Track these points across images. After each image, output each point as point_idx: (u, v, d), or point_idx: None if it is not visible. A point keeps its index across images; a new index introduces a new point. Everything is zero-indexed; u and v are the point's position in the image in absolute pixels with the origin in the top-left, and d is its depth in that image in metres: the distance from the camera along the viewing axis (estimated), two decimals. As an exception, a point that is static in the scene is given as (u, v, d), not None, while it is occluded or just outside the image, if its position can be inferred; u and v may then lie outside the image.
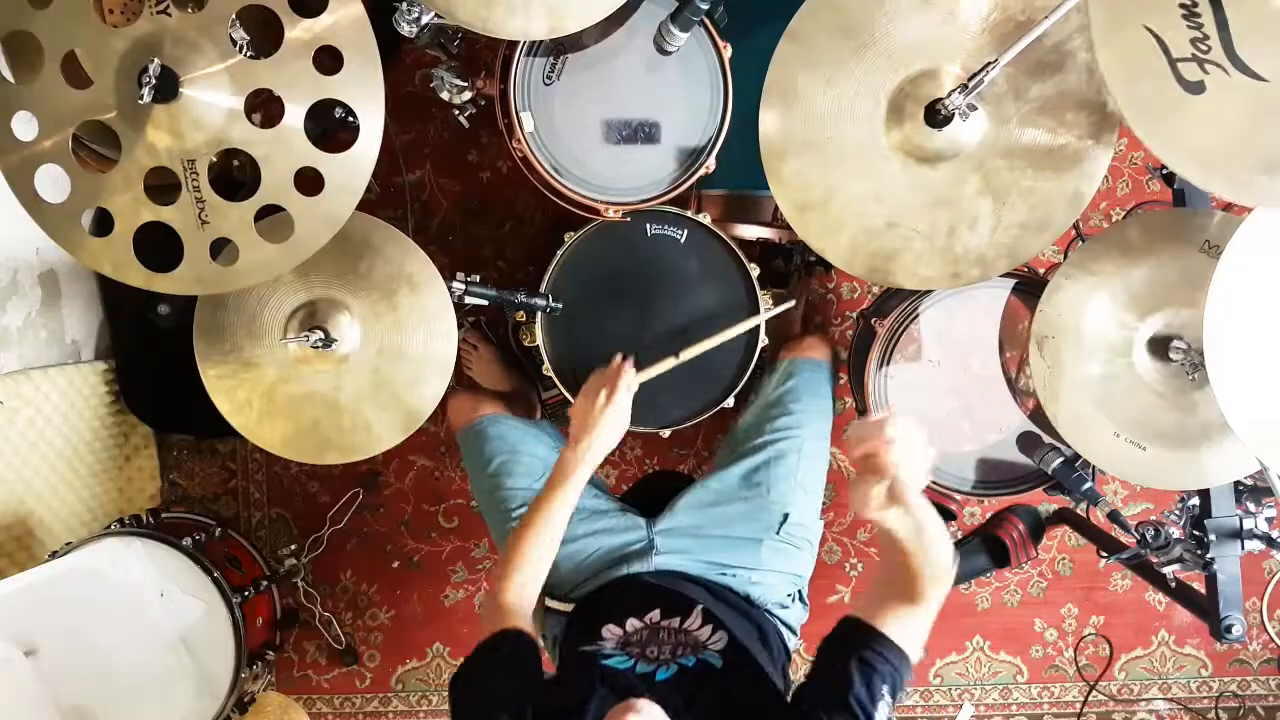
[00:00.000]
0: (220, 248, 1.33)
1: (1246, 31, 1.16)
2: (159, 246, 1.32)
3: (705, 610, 1.40)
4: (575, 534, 1.54)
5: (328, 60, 1.29)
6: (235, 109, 1.28)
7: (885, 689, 1.11)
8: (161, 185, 1.30)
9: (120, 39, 1.25)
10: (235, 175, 1.50)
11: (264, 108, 1.32)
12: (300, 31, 1.27)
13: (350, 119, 1.31)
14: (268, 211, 1.32)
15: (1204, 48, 1.17)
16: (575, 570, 1.53)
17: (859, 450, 1.10)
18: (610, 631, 1.37)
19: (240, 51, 1.28)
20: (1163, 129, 1.21)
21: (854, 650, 1.14)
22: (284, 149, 1.30)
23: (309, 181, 1.32)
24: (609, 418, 1.44)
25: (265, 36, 1.31)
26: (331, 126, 1.41)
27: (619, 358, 1.55)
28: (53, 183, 1.28)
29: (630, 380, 1.49)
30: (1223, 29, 1.17)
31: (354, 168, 1.32)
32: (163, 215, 1.30)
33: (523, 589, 1.36)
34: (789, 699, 1.25)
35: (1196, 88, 1.18)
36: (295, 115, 1.29)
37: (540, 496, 1.41)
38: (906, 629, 1.15)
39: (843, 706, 1.09)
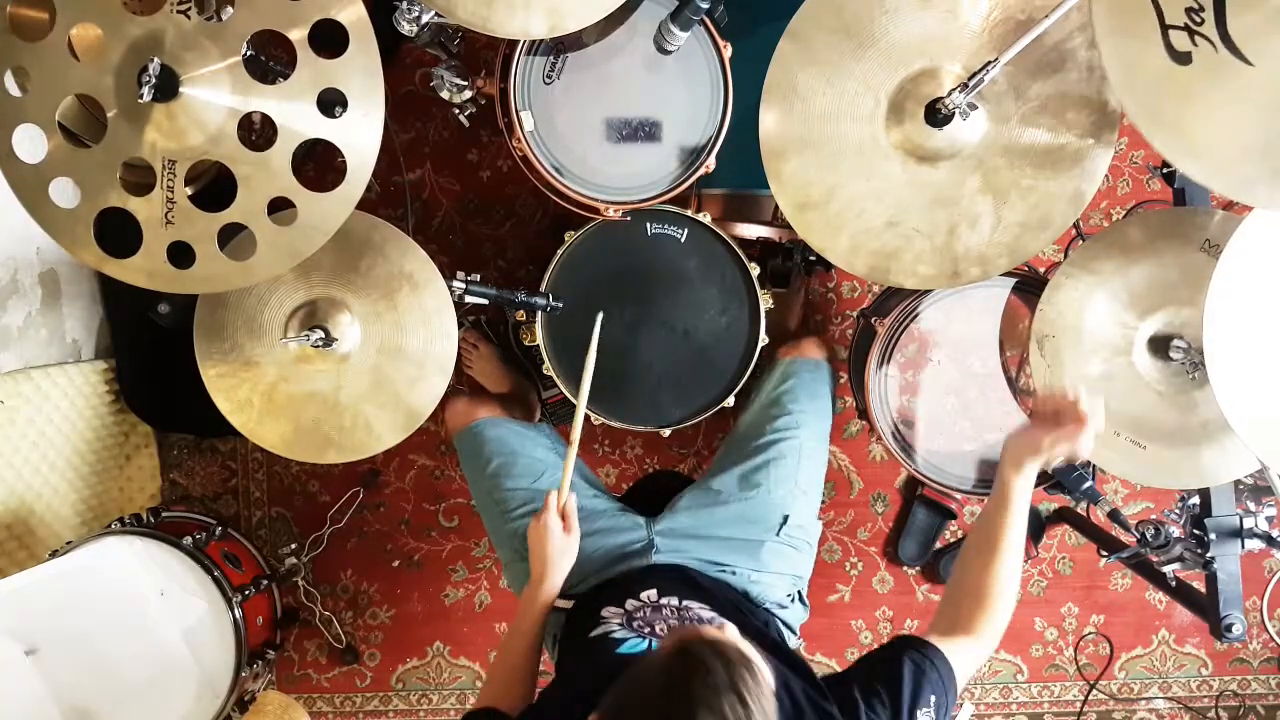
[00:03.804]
0: (181, 249, 1.33)
1: (1241, 8, 1.15)
2: (123, 236, 1.31)
3: (704, 596, 1.41)
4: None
5: (332, 99, 1.29)
6: (230, 123, 1.28)
7: (931, 698, 1.14)
8: (137, 179, 1.30)
9: (134, 25, 1.25)
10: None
11: (260, 127, 1.32)
12: (311, 68, 1.27)
13: (340, 158, 1.31)
14: (238, 226, 1.32)
15: (1197, 19, 1.16)
16: (576, 569, 1.53)
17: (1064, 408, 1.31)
18: (610, 612, 1.37)
19: (247, 70, 1.28)
20: (1145, 95, 1.20)
21: (907, 650, 1.19)
22: (266, 174, 1.30)
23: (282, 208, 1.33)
24: (543, 547, 1.45)
25: (275, 59, 1.31)
26: (321, 162, 1.41)
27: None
28: (30, 143, 1.27)
29: (551, 507, 1.46)
30: (1218, 1, 1.16)
31: (330, 210, 1.32)
32: (130, 204, 1.30)
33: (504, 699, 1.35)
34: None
35: (1184, 58, 1.18)
36: (286, 145, 1.30)
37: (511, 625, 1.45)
38: (958, 655, 1.21)
39: (884, 698, 1.13)
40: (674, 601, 1.37)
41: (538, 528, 1.45)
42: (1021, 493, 1.32)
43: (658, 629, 1.27)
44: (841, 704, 1.13)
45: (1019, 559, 1.30)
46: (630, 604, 1.37)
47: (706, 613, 1.34)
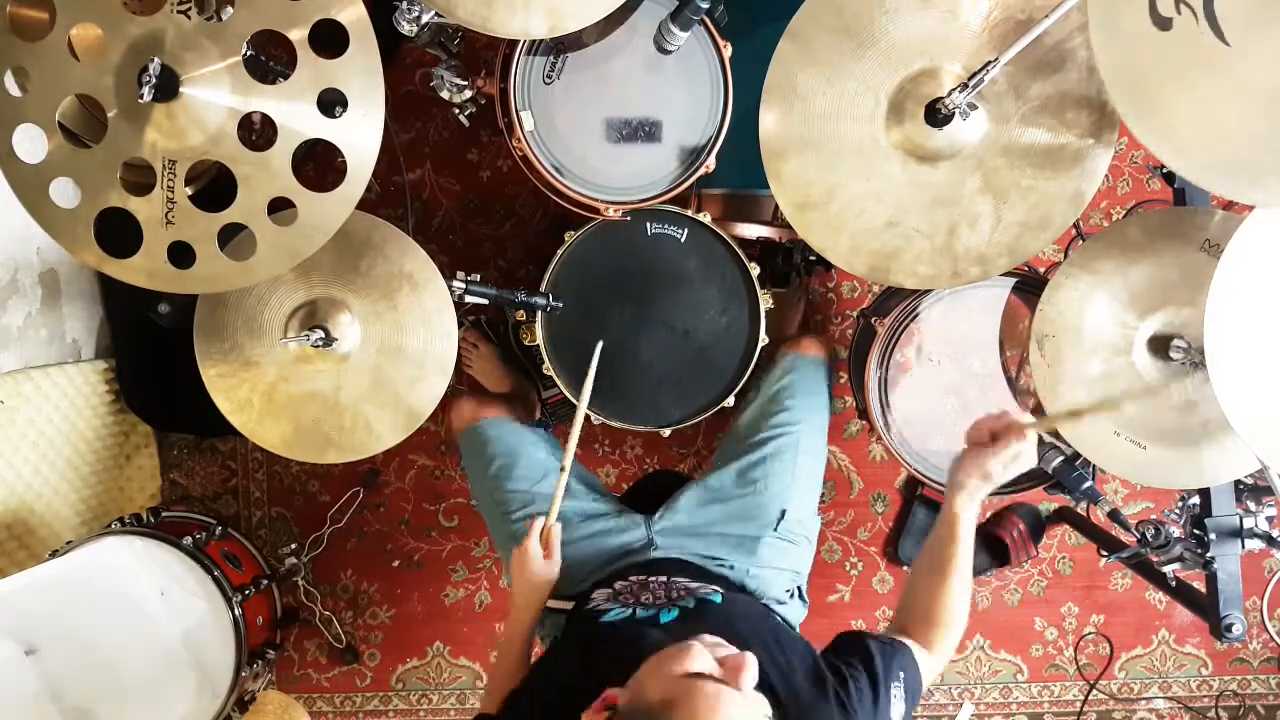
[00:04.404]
0: (181, 249, 1.33)
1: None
2: (123, 236, 1.31)
3: (697, 573, 1.42)
4: (575, 536, 1.55)
5: (332, 99, 1.29)
6: (230, 123, 1.28)
7: (901, 674, 1.17)
8: (137, 179, 1.30)
9: (134, 25, 1.24)
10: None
11: (260, 127, 1.32)
12: (311, 68, 1.27)
13: (340, 158, 1.31)
14: (238, 226, 1.32)
15: None
16: (575, 570, 1.53)
17: (996, 426, 1.32)
18: (600, 593, 1.39)
19: (247, 70, 1.27)
20: (1119, 54, 1.20)
21: (873, 636, 1.23)
22: (266, 174, 1.30)
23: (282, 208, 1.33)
24: (521, 574, 1.45)
25: (276, 59, 1.31)
26: (322, 162, 1.40)
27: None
28: (30, 143, 1.27)
29: (534, 535, 1.46)
30: None
31: (331, 210, 1.32)
32: (130, 204, 1.30)
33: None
34: None
35: (1165, 23, 1.17)
36: (286, 145, 1.29)
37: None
38: (922, 660, 1.25)
39: (859, 666, 1.16)
40: (662, 578, 1.38)
41: (519, 554, 1.45)
42: (970, 524, 1.33)
43: (642, 599, 1.29)
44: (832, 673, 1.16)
45: (969, 579, 1.33)
46: (619, 584, 1.39)
47: (694, 583, 1.35)
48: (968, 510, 1.33)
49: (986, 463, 1.32)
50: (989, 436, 1.34)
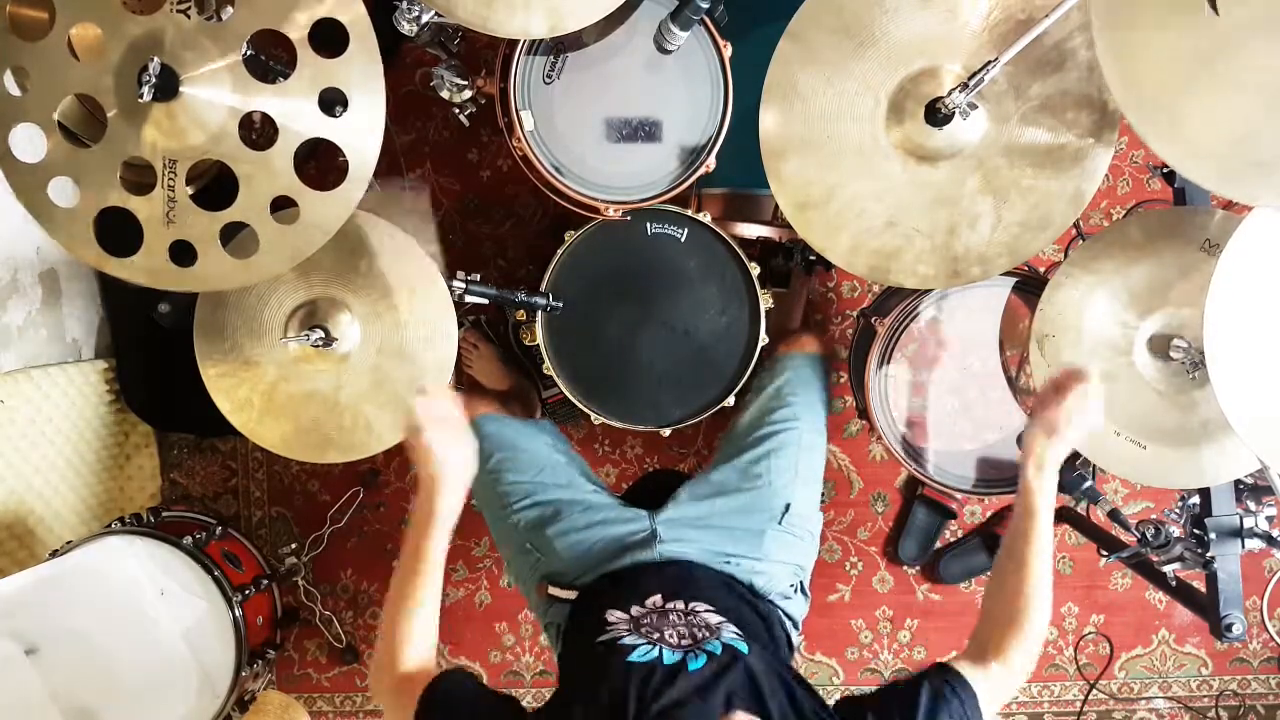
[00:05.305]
0: (182, 248, 1.33)
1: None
2: (124, 235, 1.31)
3: (709, 595, 1.40)
4: (577, 525, 1.55)
5: (333, 99, 1.29)
6: (230, 122, 1.28)
7: None
8: (137, 178, 1.31)
9: (134, 25, 1.24)
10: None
11: (260, 126, 1.32)
12: (312, 68, 1.27)
13: (341, 158, 1.31)
14: (239, 225, 1.32)
15: None
16: (579, 559, 1.53)
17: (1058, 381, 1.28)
18: (616, 616, 1.36)
19: (247, 69, 1.28)
20: (1112, 12, 1.19)
21: (930, 677, 1.17)
22: (268, 173, 1.30)
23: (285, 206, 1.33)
24: (432, 450, 1.30)
25: (276, 58, 1.31)
26: (323, 161, 1.40)
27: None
28: (30, 143, 1.27)
29: (434, 399, 1.28)
30: None
31: (332, 209, 1.32)
32: (130, 204, 1.30)
33: (414, 649, 1.23)
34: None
35: None
36: (287, 145, 1.29)
37: (404, 546, 1.30)
38: (986, 682, 1.18)
39: None
40: (680, 605, 1.37)
41: (426, 404, 1.26)
42: (1045, 495, 1.25)
43: (666, 635, 1.26)
44: None
45: (1047, 571, 1.23)
46: (635, 610, 1.37)
47: (714, 617, 1.34)
48: (1040, 480, 1.26)
49: (1050, 415, 1.26)
50: (1052, 391, 1.29)
